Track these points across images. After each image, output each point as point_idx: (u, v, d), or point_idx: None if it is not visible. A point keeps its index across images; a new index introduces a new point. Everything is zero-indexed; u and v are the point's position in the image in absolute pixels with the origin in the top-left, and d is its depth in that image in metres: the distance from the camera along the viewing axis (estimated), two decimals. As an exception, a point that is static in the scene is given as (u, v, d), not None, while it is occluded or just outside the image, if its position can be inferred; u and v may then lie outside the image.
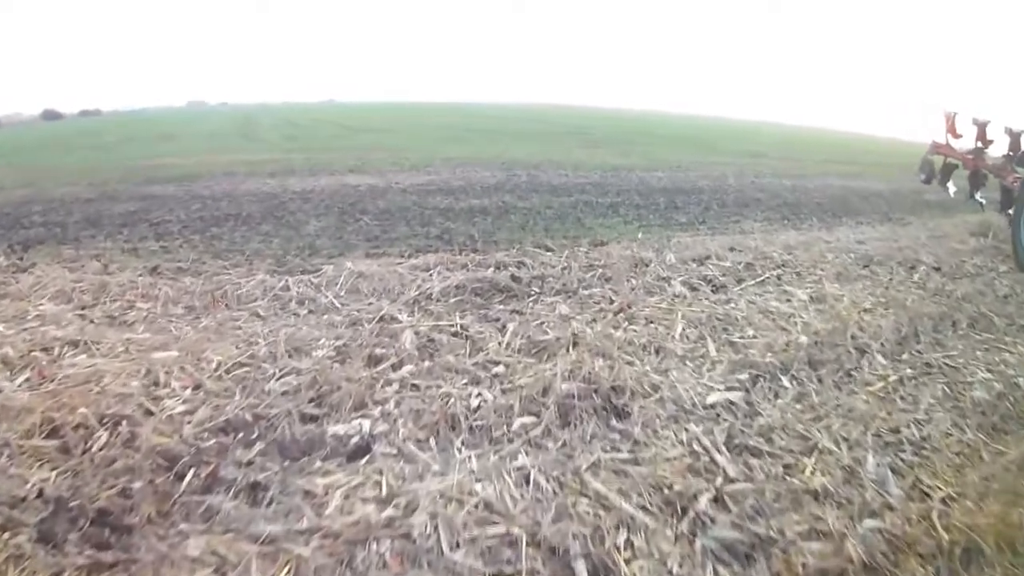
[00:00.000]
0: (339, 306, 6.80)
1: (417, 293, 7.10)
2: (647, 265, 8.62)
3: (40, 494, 3.43)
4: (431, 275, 7.68)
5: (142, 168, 18.56)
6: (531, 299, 7.10)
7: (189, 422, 4.09)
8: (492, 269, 8.02)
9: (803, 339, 5.94)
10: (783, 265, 9.08)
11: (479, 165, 20.11)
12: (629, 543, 3.30)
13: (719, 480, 3.84)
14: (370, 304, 6.82)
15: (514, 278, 7.56)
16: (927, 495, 3.85)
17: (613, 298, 7.23)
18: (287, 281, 7.46)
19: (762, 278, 8.37)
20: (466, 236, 10.15)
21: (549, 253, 9.07)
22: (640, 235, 10.77)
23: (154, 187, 14.70)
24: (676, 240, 10.47)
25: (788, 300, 7.52)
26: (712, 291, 7.80)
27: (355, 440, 4.08)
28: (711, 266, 8.80)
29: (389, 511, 3.43)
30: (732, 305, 7.21)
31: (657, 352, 5.75)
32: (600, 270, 8.16)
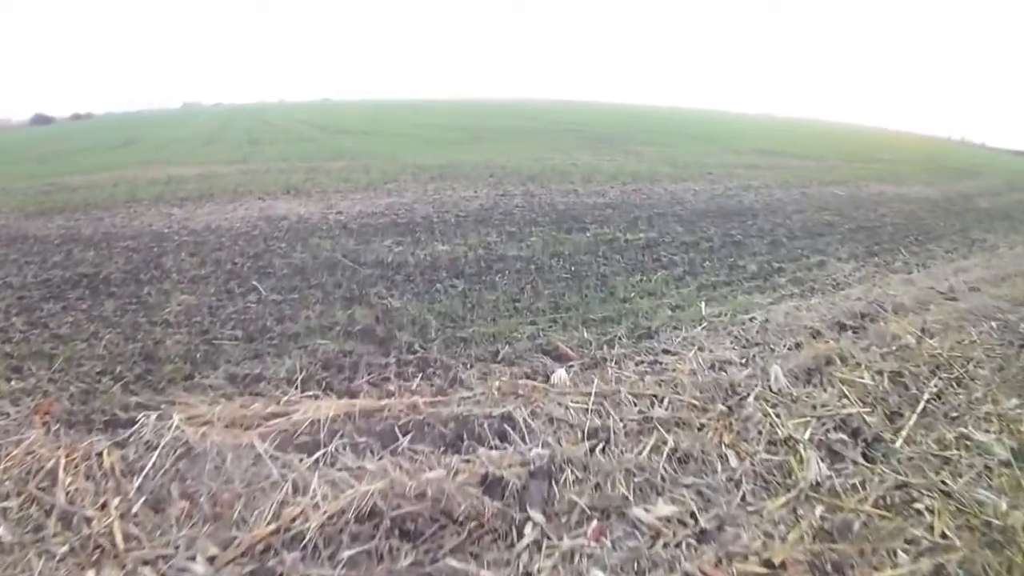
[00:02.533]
0: (120, 549, 3.01)
1: (273, 528, 3.06)
2: (742, 398, 4.49)
3: None
4: (318, 462, 3.55)
5: (51, 191, 14.18)
6: (524, 547, 3.02)
7: None
8: (443, 451, 3.71)
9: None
10: (936, 366, 5.50)
11: (461, 178, 15.44)
12: None
13: None
14: (175, 551, 2.99)
15: (488, 483, 3.38)
16: None
17: (703, 525, 3.23)
18: (59, 460, 3.61)
19: (922, 403, 4.81)
20: (415, 329, 5.85)
21: (561, 370, 4.85)
22: (704, 307, 6.60)
23: (39, 222, 10.68)
24: (764, 319, 6.31)
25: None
26: (865, 458, 3.99)
27: None
28: (841, 384, 4.88)
29: None
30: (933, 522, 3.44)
31: None
32: (663, 431, 3.96)
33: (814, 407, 4.45)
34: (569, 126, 40.82)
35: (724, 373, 4.83)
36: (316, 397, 4.37)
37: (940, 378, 5.27)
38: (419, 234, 9.41)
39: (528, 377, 4.77)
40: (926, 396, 4.90)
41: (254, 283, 7.05)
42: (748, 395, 4.53)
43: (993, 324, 6.83)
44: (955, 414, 4.71)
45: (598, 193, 13.80)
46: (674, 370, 4.87)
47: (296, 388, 4.49)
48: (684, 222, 11.02)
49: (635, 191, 14.37)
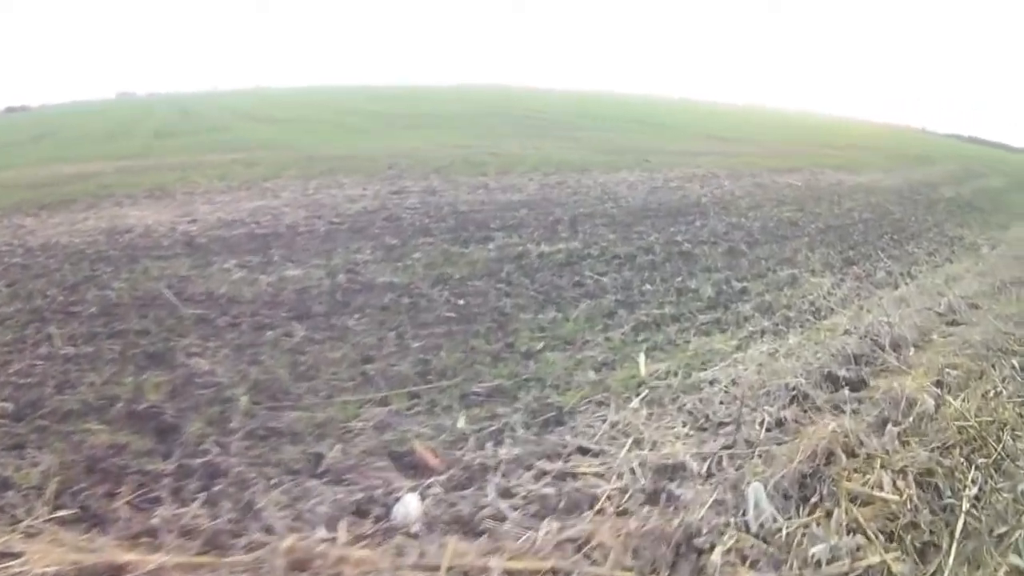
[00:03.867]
0: None
1: None
2: (703, 552, 2.86)
3: None
4: None
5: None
6: None
7: None
8: None
9: None
10: (970, 448, 4.13)
11: (356, 171, 13.49)
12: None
13: None
14: None
15: None
16: None
17: None
18: None
19: (961, 517, 3.45)
20: (215, 412, 4.01)
21: (410, 498, 3.14)
22: (644, 363, 4.85)
23: None
24: (730, 378, 4.69)
25: None
26: None
27: None
28: (850, 504, 3.36)
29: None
30: None
31: None
32: None
33: (817, 562, 2.89)
34: (507, 111, 39.47)
35: (674, 508, 3.08)
36: (64, 523, 3.01)
37: (977, 467, 3.91)
38: (273, 251, 7.53)
39: (359, 510, 3.10)
40: (965, 504, 3.53)
41: (51, 329, 5.25)
42: (713, 548, 2.83)
43: (1015, 362, 5.72)
44: (1002, 528, 3.45)
45: (514, 188, 12.07)
46: (593, 503, 3.09)
47: (47, 504, 3.14)
48: (617, 225, 9.34)
49: (559, 184, 12.70)
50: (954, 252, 10.33)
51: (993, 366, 5.49)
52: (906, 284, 7.93)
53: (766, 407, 4.25)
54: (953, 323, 6.57)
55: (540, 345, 5.12)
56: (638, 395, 4.33)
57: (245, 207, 9.97)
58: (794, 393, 4.47)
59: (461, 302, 6.05)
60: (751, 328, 5.75)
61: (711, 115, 50.23)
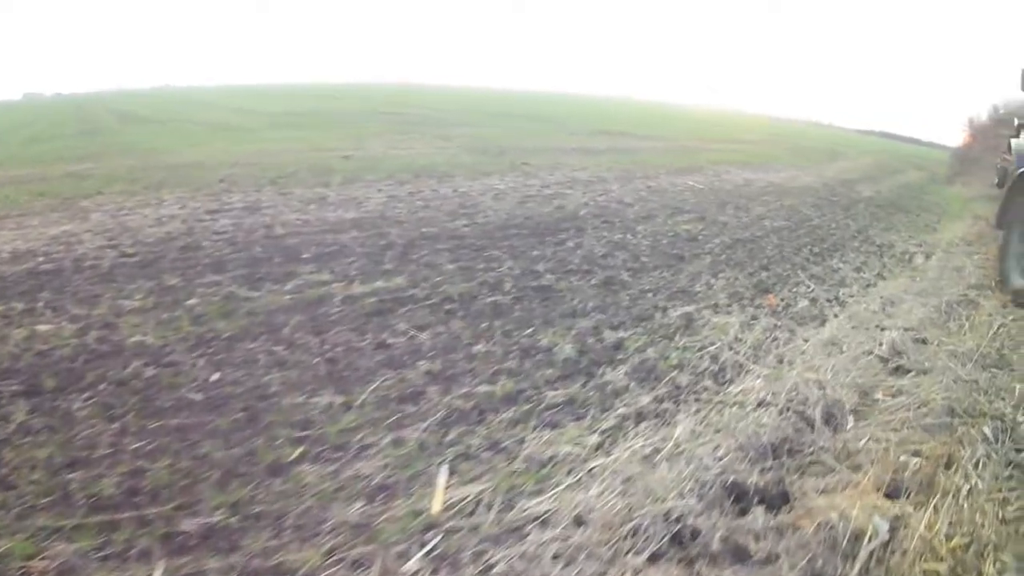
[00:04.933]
0: None
1: None
2: None
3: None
4: None
5: None
6: None
7: None
8: None
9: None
10: None
11: (185, 184, 11.74)
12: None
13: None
14: None
15: None
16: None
17: None
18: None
19: None
20: None
21: None
22: (441, 492, 3.30)
23: None
24: (575, 510, 3.17)
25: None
26: None
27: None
28: None
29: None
30: None
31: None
32: None
33: None
34: (398, 109, 38.17)
35: None
36: None
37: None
38: (43, 295, 6.05)
39: None
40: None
41: None
42: None
43: (986, 431, 4.52)
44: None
45: (353, 202, 10.56)
46: None
47: None
48: (464, 251, 7.83)
49: (410, 195, 11.25)
50: (886, 265, 9.57)
51: (961, 441, 4.31)
52: (835, 315, 6.84)
53: (628, 557, 2.82)
54: (900, 370, 5.45)
55: (296, 452, 3.59)
56: (422, 547, 2.87)
57: (49, 233, 8.40)
58: (678, 528, 3.07)
59: (216, 376, 4.47)
60: (623, 408, 4.28)
61: (607, 110, 50.18)
